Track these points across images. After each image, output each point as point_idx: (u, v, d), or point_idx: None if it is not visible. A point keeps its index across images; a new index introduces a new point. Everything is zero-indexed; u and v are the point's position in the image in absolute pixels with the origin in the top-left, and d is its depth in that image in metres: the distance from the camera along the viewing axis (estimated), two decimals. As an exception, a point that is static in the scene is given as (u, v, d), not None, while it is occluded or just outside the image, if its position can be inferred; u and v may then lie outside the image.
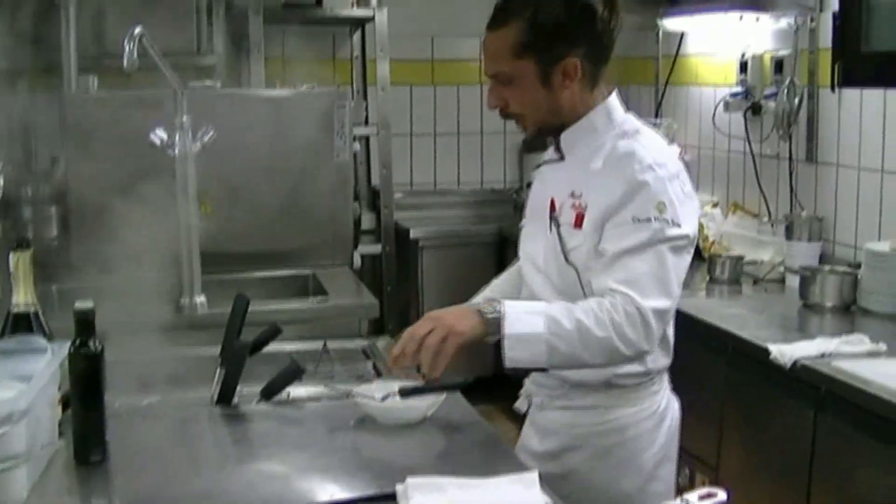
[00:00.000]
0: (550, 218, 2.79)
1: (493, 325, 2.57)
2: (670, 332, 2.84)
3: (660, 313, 2.59)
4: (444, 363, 2.57)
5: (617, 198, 2.63)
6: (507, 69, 2.71)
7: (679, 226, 2.62)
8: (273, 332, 3.15)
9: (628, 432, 2.82)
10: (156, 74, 3.91)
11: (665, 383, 2.92)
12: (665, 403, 2.90)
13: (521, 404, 3.01)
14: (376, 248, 6.47)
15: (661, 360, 2.85)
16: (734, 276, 4.79)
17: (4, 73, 6.00)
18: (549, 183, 2.86)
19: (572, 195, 2.73)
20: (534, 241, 2.89)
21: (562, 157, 2.83)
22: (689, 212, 2.68)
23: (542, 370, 2.72)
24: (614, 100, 2.83)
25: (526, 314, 2.57)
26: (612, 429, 2.81)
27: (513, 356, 2.56)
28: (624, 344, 2.55)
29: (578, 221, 2.71)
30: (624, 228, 2.61)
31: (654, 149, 2.70)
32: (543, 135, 2.84)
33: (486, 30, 2.76)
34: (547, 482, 2.34)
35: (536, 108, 2.74)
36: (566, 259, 2.74)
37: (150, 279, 4.10)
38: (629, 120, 2.81)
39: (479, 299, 2.98)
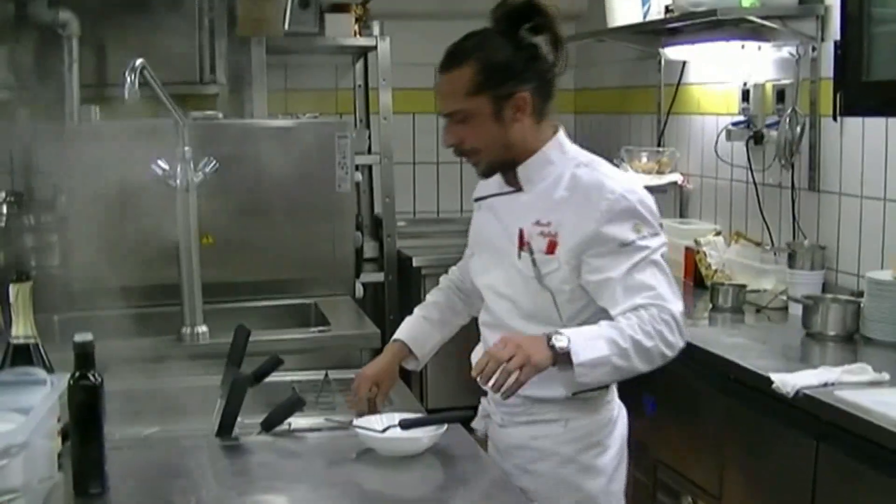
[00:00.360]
0: (520, 247, 3.00)
1: (562, 355, 2.77)
2: None
3: (681, 314, 2.92)
4: (518, 389, 2.74)
5: (594, 227, 2.90)
6: (464, 107, 2.95)
7: (657, 235, 2.96)
8: (274, 363, 3.16)
9: (590, 439, 3.10)
10: (158, 104, 3.92)
11: (615, 393, 3.21)
12: (617, 411, 3.21)
13: (478, 424, 3.26)
14: (379, 277, 6.46)
15: None
16: (737, 305, 4.78)
17: (7, 102, 6.01)
18: (507, 213, 3.09)
19: (538, 223, 2.98)
20: (492, 271, 3.13)
21: (518, 189, 3.07)
22: (657, 226, 2.99)
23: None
24: (563, 134, 3.11)
25: (589, 341, 2.80)
26: (575, 437, 3.08)
27: (583, 381, 2.81)
28: (668, 347, 2.87)
29: (551, 248, 2.95)
30: (617, 255, 2.89)
31: (616, 177, 3.01)
32: (496, 169, 3.08)
33: (439, 73, 3.00)
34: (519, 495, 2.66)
35: (490, 143, 2.98)
36: (540, 283, 2.98)
37: (151, 309, 4.11)
38: (580, 151, 3.10)
39: (403, 335, 3.37)
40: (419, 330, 3.40)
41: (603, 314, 2.94)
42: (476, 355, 3.20)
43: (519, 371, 2.70)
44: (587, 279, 2.95)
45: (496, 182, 3.14)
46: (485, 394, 3.15)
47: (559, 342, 2.75)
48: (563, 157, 3.05)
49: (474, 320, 3.35)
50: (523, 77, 2.95)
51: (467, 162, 3.09)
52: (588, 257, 2.92)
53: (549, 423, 3.06)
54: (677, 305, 2.91)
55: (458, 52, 2.96)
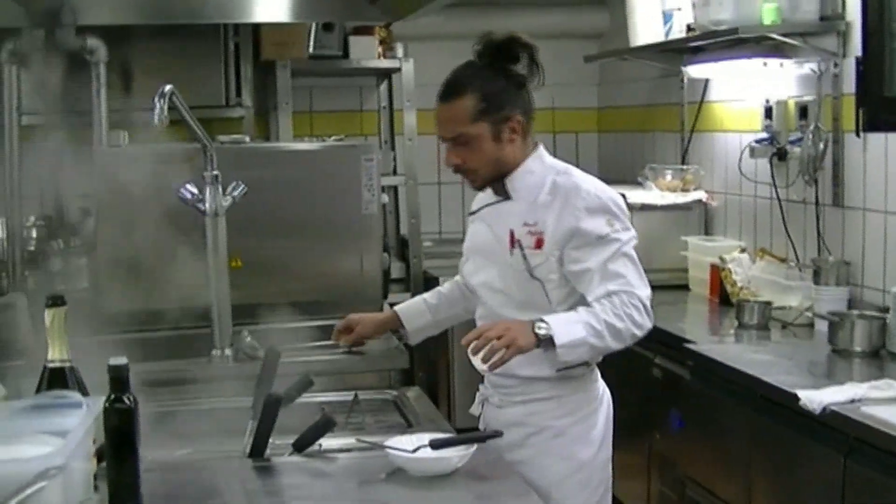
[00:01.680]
0: (511, 245, 3.38)
1: (545, 339, 3.17)
2: None
3: (648, 298, 3.32)
4: (500, 366, 3.14)
5: (573, 223, 3.30)
6: (467, 131, 3.33)
7: (628, 230, 3.36)
8: (305, 385, 3.19)
9: (580, 412, 3.45)
10: (185, 128, 3.96)
11: (598, 373, 3.55)
12: (602, 389, 3.56)
13: (476, 408, 3.64)
14: (406, 297, 6.46)
15: None
16: (762, 322, 4.79)
17: (36, 128, 6.07)
18: (498, 219, 3.46)
19: (526, 224, 3.37)
20: (486, 269, 3.50)
21: (507, 198, 3.45)
22: (627, 220, 3.39)
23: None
24: (542, 148, 3.50)
25: (568, 325, 3.20)
26: (567, 412, 3.43)
27: (565, 359, 3.23)
28: (637, 328, 3.27)
29: (538, 244, 3.35)
30: (594, 247, 3.30)
31: (588, 181, 3.41)
32: (488, 183, 3.47)
33: (439, 102, 3.39)
34: (514, 467, 3.09)
35: (488, 162, 3.38)
36: (531, 275, 3.36)
37: (181, 332, 4.14)
38: (557, 162, 3.49)
39: (399, 307, 3.97)
40: (415, 308, 3.94)
41: (584, 298, 3.33)
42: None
43: (505, 350, 3.11)
44: (569, 269, 3.34)
45: (486, 195, 3.56)
46: (482, 380, 3.58)
47: (541, 329, 3.17)
48: (543, 166, 3.44)
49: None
50: (515, 102, 3.37)
51: (464, 179, 3.48)
52: (569, 249, 3.32)
53: (542, 401, 3.42)
54: (645, 291, 3.31)
55: (458, 82, 3.36)
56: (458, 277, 3.86)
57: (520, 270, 3.38)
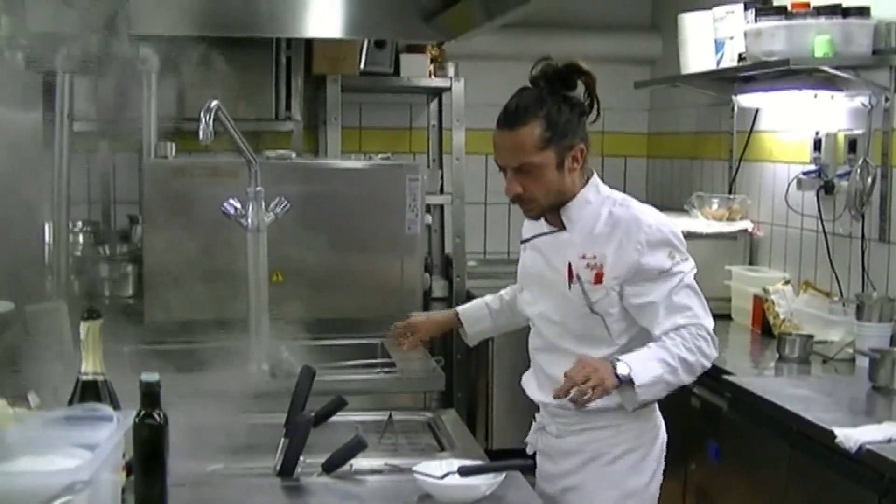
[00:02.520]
0: (570, 279, 3.32)
1: (624, 379, 3.11)
2: None
3: (713, 328, 3.28)
4: (588, 406, 3.11)
5: (636, 257, 3.24)
6: (533, 160, 3.24)
7: (688, 260, 3.31)
8: (338, 404, 3.20)
9: (637, 441, 3.41)
10: (233, 140, 3.97)
11: (656, 403, 3.46)
12: (659, 420, 3.51)
13: (532, 437, 3.59)
14: (448, 317, 6.48)
15: None
16: (804, 356, 4.76)
17: (87, 134, 6.12)
18: (552, 251, 3.41)
19: (584, 257, 3.31)
20: (543, 301, 3.46)
21: (562, 228, 3.38)
22: (686, 252, 3.33)
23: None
24: (596, 177, 3.42)
25: (645, 363, 3.15)
26: (625, 440, 3.39)
27: (644, 398, 3.18)
28: (706, 359, 3.23)
29: (598, 279, 3.29)
30: (657, 280, 3.25)
31: (648, 212, 3.34)
32: (546, 213, 3.39)
33: (501, 129, 3.29)
34: (567, 494, 3.32)
35: (549, 191, 3.30)
36: (591, 310, 3.31)
37: (221, 343, 4.16)
38: (612, 191, 3.42)
39: (460, 307, 3.94)
40: (477, 309, 3.89)
41: (646, 330, 3.30)
42: (527, 382, 3.58)
43: (592, 391, 3.04)
44: (630, 302, 3.29)
45: (538, 223, 3.48)
46: (538, 409, 3.56)
47: (621, 370, 3.11)
48: (599, 196, 3.37)
49: (524, 349, 3.61)
50: (577, 131, 3.28)
51: (522, 207, 3.40)
52: (631, 284, 3.27)
53: (602, 430, 3.38)
54: (709, 321, 3.28)
55: (523, 109, 3.24)
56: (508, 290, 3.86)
57: (579, 305, 3.33)
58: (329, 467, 2.95)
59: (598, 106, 3.32)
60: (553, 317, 3.42)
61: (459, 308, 3.94)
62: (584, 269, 3.30)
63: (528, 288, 3.55)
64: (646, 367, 3.14)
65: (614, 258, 3.26)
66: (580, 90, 3.32)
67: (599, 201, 3.36)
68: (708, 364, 3.26)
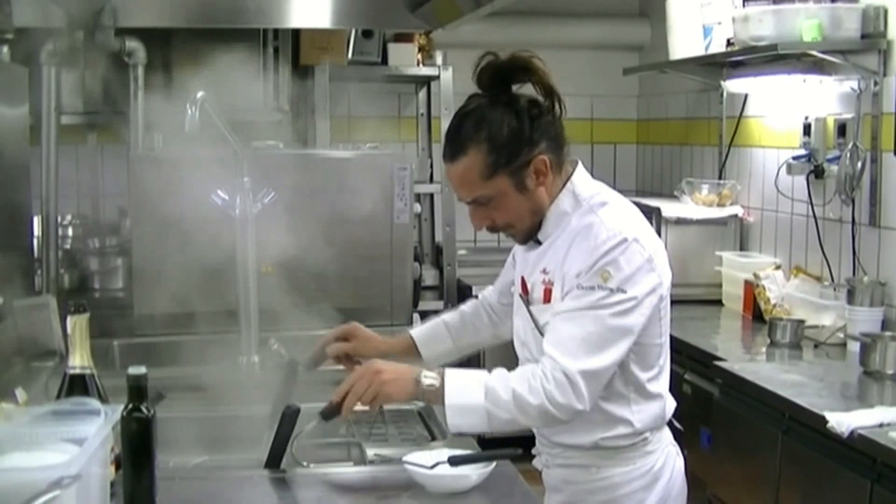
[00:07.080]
0: (521, 298, 2.96)
1: (431, 394, 2.75)
2: (665, 392, 2.97)
3: (590, 374, 2.68)
4: (365, 414, 2.89)
5: (576, 270, 2.75)
6: (484, 192, 2.79)
7: (624, 291, 2.70)
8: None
9: (620, 490, 2.90)
10: (220, 132, 3.96)
11: (662, 442, 2.98)
12: (661, 462, 2.95)
13: (536, 462, 3.12)
14: (438, 305, 6.48)
15: (651, 421, 2.92)
16: (795, 341, 4.76)
17: (75, 127, 6.11)
18: (523, 264, 3.00)
19: (543, 272, 2.87)
20: (515, 317, 3.05)
21: (539, 242, 2.94)
22: (643, 274, 2.73)
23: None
24: (579, 176, 2.91)
25: (465, 385, 2.73)
26: (603, 487, 2.90)
27: (454, 423, 2.73)
28: (556, 408, 2.67)
29: (547, 296, 2.84)
30: (572, 294, 2.74)
31: (610, 220, 2.78)
32: (532, 234, 2.92)
33: (444, 160, 2.86)
34: None
35: (521, 215, 2.85)
36: (542, 334, 2.84)
37: (211, 336, 4.15)
38: (600, 192, 2.90)
39: (414, 331, 3.34)
40: (433, 331, 3.35)
41: (616, 365, 2.76)
42: None
43: (371, 400, 2.74)
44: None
45: None
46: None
47: (427, 380, 2.74)
48: (576, 203, 2.86)
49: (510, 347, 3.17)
50: (533, 141, 2.78)
51: (505, 235, 2.95)
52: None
53: (581, 469, 2.91)
54: (585, 364, 2.67)
55: (460, 138, 2.79)
56: (482, 296, 3.39)
57: (532, 328, 2.91)
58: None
59: (559, 100, 2.81)
60: (521, 335, 3.01)
61: (413, 331, 3.35)
62: (539, 285, 2.87)
63: (514, 299, 3.10)
64: (465, 387, 2.73)
65: (561, 272, 2.81)
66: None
67: (575, 209, 2.86)
68: (560, 415, 2.69)
